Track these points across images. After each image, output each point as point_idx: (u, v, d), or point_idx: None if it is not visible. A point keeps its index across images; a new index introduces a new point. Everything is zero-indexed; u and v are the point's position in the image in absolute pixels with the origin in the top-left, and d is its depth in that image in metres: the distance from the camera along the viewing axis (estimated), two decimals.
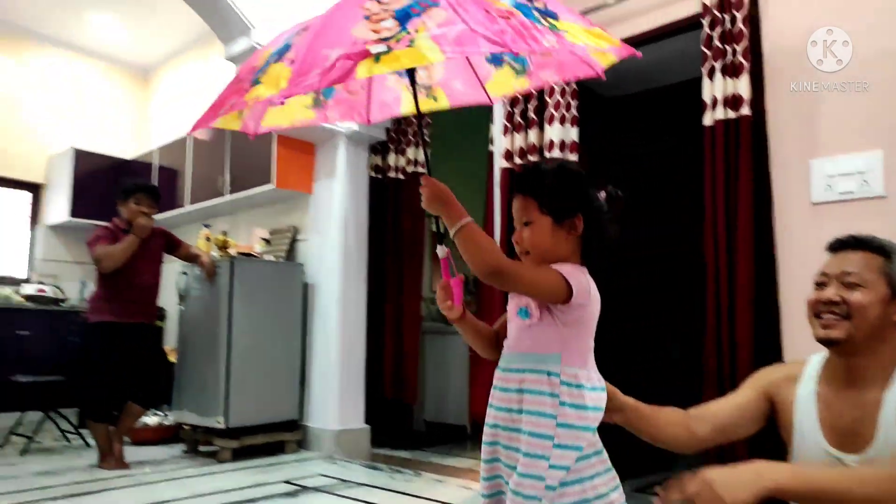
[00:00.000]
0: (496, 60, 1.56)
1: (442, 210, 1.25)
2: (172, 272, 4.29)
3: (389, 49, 1.08)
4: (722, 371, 2.42)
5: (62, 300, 5.16)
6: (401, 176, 4.27)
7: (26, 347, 4.69)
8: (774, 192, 2.45)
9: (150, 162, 5.53)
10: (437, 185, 1.27)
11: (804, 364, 1.45)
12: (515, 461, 1.20)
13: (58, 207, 5.48)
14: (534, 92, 3.03)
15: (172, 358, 4.24)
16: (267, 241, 4.50)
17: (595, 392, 1.23)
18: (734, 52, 2.49)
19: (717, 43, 2.54)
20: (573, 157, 3.04)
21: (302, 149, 4.34)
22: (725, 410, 1.46)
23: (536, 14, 1.19)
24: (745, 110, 2.45)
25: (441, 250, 1.32)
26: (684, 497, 1.12)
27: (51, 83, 5.82)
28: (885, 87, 2.25)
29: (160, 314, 4.96)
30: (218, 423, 3.72)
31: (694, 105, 2.70)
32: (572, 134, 3.05)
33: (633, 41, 2.94)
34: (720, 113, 2.51)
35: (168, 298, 4.60)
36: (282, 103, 1.49)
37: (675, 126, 3.84)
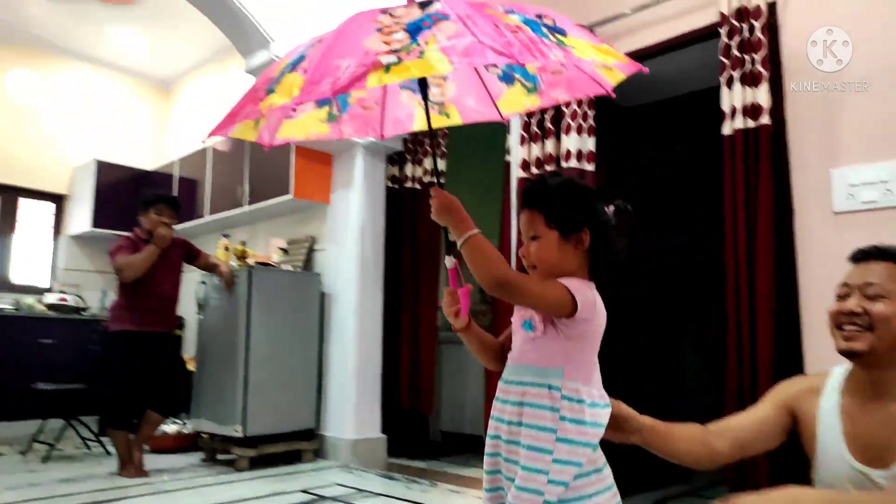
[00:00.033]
0: (508, 79, 1.58)
1: (450, 221, 1.26)
2: (191, 282, 4.33)
3: (400, 60, 1.10)
4: (742, 383, 2.39)
5: (83, 309, 5.24)
6: (417, 186, 4.28)
7: (48, 355, 4.76)
8: (795, 202, 2.42)
9: (171, 173, 5.61)
10: (447, 197, 1.28)
11: (826, 376, 1.43)
12: (515, 474, 1.20)
13: (80, 218, 5.57)
14: None
15: (191, 367, 4.28)
16: (285, 251, 4.54)
17: (595, 408, 1.23)
18: (753, 61, 2.48)
19: (735, 52, 2.53)
20: (590, 167, 3.03)
21: (320, 159, 4.38)
22: (745, 425, 1.44)
23: (545, 30, 1.21)
24: (765, 119, 2.43)
25: (449, 261, 1.33)
26: None
27: (75, 96, 5.93)
28: None
29: (179, 323, 5.01)
30: (236, 431, 3.74)
31: (711, 114, 2.69)
32: (589, 144, 3.04)
33: (650, 51, 2.94)
34: (739, 122, 2.49)
35: (187, 308, 4.65)
36: (294, 110, 1.51)
37: (693, 135, 3.82)
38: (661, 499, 3.10)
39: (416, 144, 4.29)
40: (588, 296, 1.24)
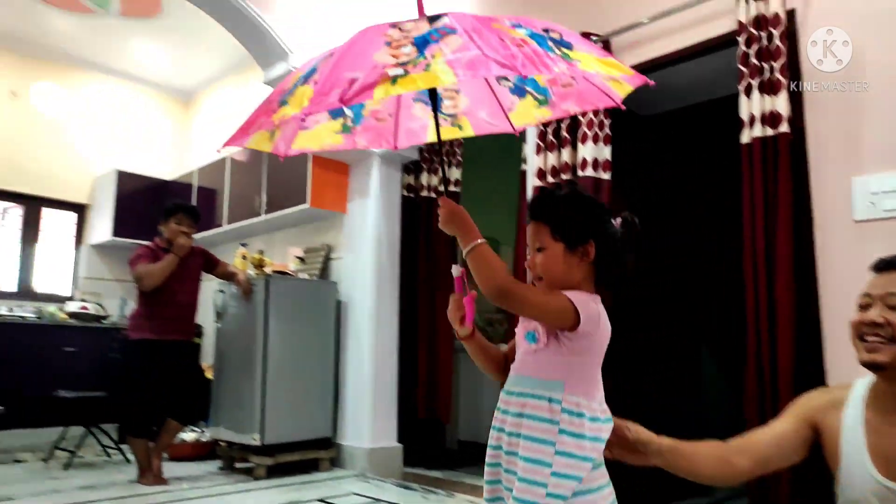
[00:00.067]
0: (519, 91, 1.59)
1: (457, 230, 1.27)
2: (210, 290, 4.38)
3: (406, 73, 1.13)
4: (762, 391, 2.35)
5: (104, 317, 5.31)
6: (433, 195, 4.29)
7: (69, 363, 4.82)
8: (815, 210, 2.40)
9: (190, 182, 5.68)
10: (453, 206, 1.29)
11: (849, 388, 1.40)
12: (514, 484, 1.20)
13: (101, 227, 5.66)
14: None
15: (209, 375, 4.32)
16: (301, 260, 4.57)
17: (595, 423, 1.22)
18: (771, 69, 2.46)
19: (753, 60, 2.51)
20: (606, 176, 3.02)
21: (336, 169, 4.42)
22: (766, 441, 1.41)
23: (551, 44, 1.23)
24: (784, 127, 2.41)
25: (456, 269, 1.34)
26: None
27: (97, 108, 6.04)
28: None
29: (198, 331, 5.06)
30: (253, 440, 3.76)
31: (728, 122, 2.67)
32: (605, 153, 3.04)
33: (668, 59, 2.94)
34: (758, 130, 2.47)
35: (205, 316, 4.69)
36: (304, 120, 1.53)
37: (710, 144, 3.80)
38: None
39: (431, 154, 4.30)
40: (592, 309, 1.24)
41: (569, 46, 1.25)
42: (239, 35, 3.96)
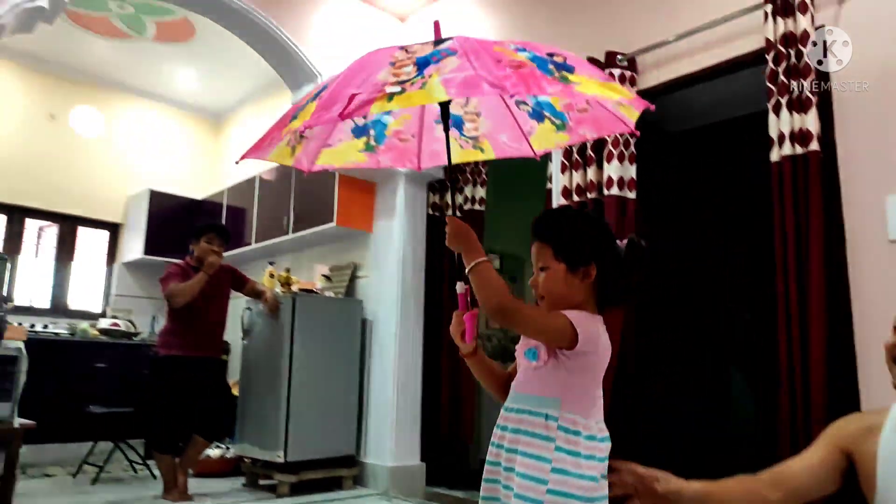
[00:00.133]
0: (538, 116, 1.62)
1: (461, 248, 1.30)
2: (237, 308, 4.43)
3: (403, 90, 1.17)
4: (795, 416, 2.29)
5: (134, 334, 5.39)
6: (458, 213, 4.29)
7: (101, 379, 4.90)
8: (847, 229, 2.35)
9: (220, 202, 5.78)
10: (459, 224, 1.33)
11: (884, 413, 1.36)
12: (511, 500, 1.21)
13: (133, 246, 5.78)
14: None
15: (235, 391, 4.35)
16: (328, 278, 4.60)
17: (592, 441, 1.22)
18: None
19: (782, 78, 2.49)
20: (631, 195, 3.00)
21: (363, 188, 4.46)
22: (799, 472, 1.36)
23: (551, 67, 1.25)
24: (814, 145, 2.37)
25: (459, 286, 1.37)
26: None
27: (131, 129, 6.21)
28: None
29: (225, 348, 5.11)
30: (278, 457, 3.77)
31: (754, 139, 2.64)
32: (631, 171, 3.02)
33: (694, 77, 2.92)
34: (787, 149, 2.44)
35: (233, 333, 4.74)
36: (302, 132, 1.58)
37: (737, 161, 3.76)
38: None
39: (456, 172, 4.32)
40: (591, 329, 1.25)
41: (570, 70, 1.28)
42: (269, 58, 4.06)
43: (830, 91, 2.44)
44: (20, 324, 4.03)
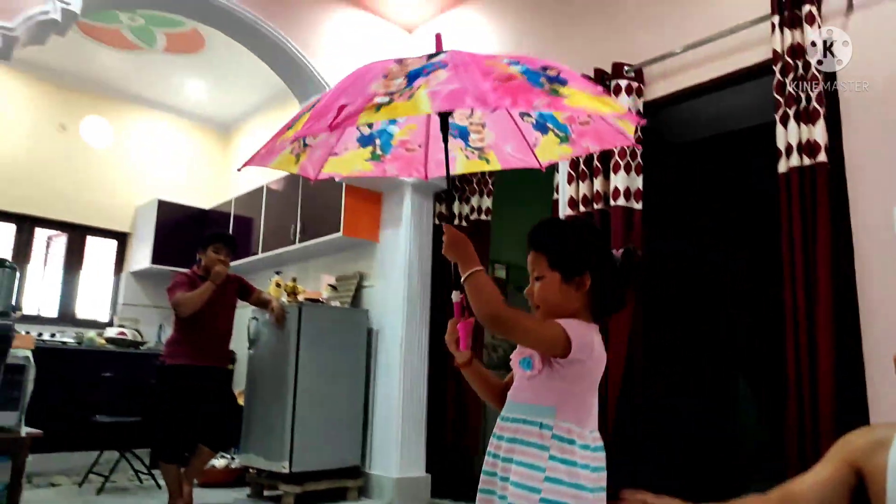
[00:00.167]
0: (542, 128, 1.64)
1: (458, 257, 1.32)
2: (243, 317, 4.44)
3: (391, 101, 1.19)
4: (803, 431, 2.27)
5: (141, 343, 5.41)
6: (464, 224, 4.31)
7: (107, 388, 4.91)
8: (856, 241, 2.33)
9: (227, 211, 5.81)
10: (456, 234, 1.34)
11: (894, 427, 1.34)
12: None
13: (141, 255, 5.81)
14: None
15: (241, 401, 4.35)
16: (334, 288, 4.61)
17: (587, 451, 1.23)
18: (808, 98, 2.43)
19: (790, 89, 2.48)
20: (638, 206, 3.00)
21: (369, 198, 4.47)
22: (807, 490, 1.34)
23: (543, 80, 1.26)
24: (822, 157, 2.37)
25: (455, 295, 1.38)
26: None
27: (140, 140, 6.26)
28: None
29: (231, 358, 5.11)
30: (282, 467, 3.76)
31: (761, 150, 2.64)
32: (637, 182, 3.02)
33: (700, 88, 2.93)
34: (795, 160, 2.44)
35: (239, 343, 4.74)
36: (296, 139, 1.59)
37: (744, 171, 3.75)
38: None
39: (463, 183, 4.33)
40: (585, 337, 1.26)
41: (563, 83, 1.28)
42: (278, 69, 4.09)
43: (838, 102, 2.44)
44: (28, 332, 4.05)
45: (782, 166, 2.49)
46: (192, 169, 6.60)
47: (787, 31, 2.52)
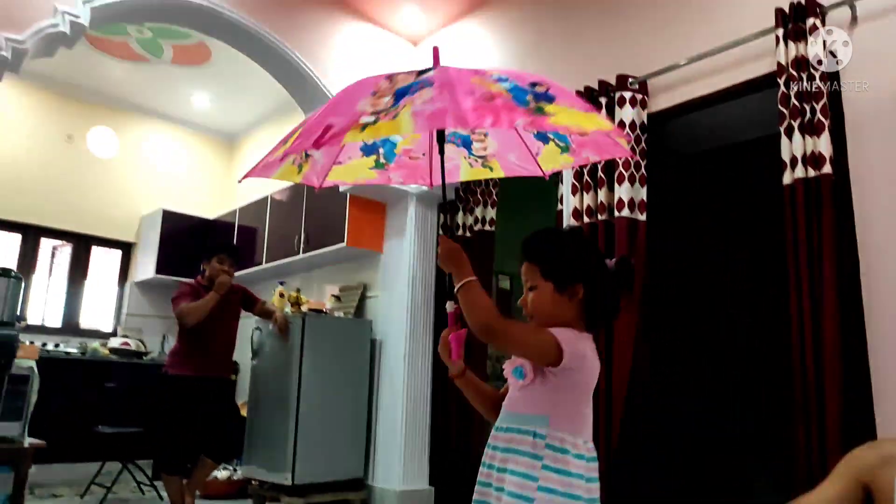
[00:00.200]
0: (543, 137, 1.66)
1: (452, 268, 1.32)
2: (247, 327, 4.43)
3: (377, 120, 1.21)
4: (810, 446, 2.25)
5: (144, 353, 5.41)
6: (468, 234, 4.31)
7: (111, 399, 4.91)
8: (861, 253, 2.32)
9: (232, 221, 5.83)
10: (451, 245, 1.35)
11: None
12: None
13: (146, 265, 5.82)
14: None
15: (244, 412, 4.33)
16: (338, 298, 4.61)
17: (581, 461, 1.23)
18: (813, 110, 2.43)
19: (794, 101, 2.49)
20: (642, 217, 3.00)
21: (373, 209, 4.48)
22: None
23: (529, 97, 1.27)
24: (827, 168, 2.36)
25: (449, 305, 1.39)
26: None
27: (146, 150, 6.29)
28: None
29: (235, 368, 5.10)
30: (285, 479, 3.74)
31: (765, 162, 2.64)
32: (642, 193, 3.02)
33: (705, 100, 2.93)
34: (800, 172, 2.43)
35: (242, 353, 4.74)
36: (285, 156, 1.59)
37: (749, 183, 3.75)
38: None
39: (467, 193, 4.34)
40: (577, 346, 1.26)
41: (550, 100, 1.29)
42: (284, 81, 4.11)
43: (843, 114, 2.44)
44: (32, 342, 4.05)
45: (787, 178, 2.48)
46: (196, 179, 6.63)
47: (791, 43, 2.53)
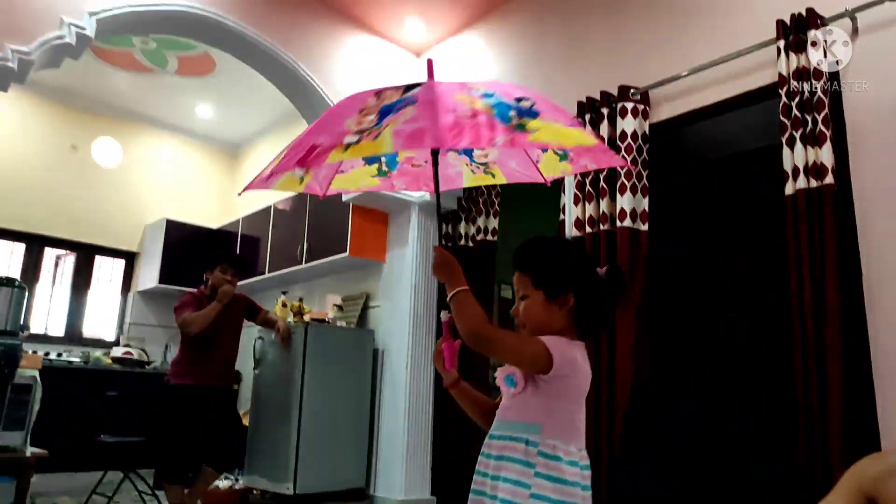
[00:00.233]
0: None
1: (445, 277, 1.34)
2: (249, 337, 4.43)
3: (360, 140, 1.24)
4: (813, 459, 2.24)
5: (147, 363, 5.41)
6: (470, 244, 4.31)
7: (113, 408, 4.90)
8: (864, 263, 2.32)
9: (235, 231, 5.84)
10: (444, 255, 1.37)
11: None
12: None
13: (149, 274, 5.83)
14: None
15: (246, 421, 4.33)
16: (340, 308, 4.61)
17: (575, 467, 1.23)
18: (814, 120, 2.44)
19: (795, 112, 2.49)
20: (644, 227, 3.00)
21: (376, 219, 4.49)
22: None
23: (512, 113, 1.29)
24: (829, 179, 2.37)
25: (444, 314, 1.40)
26: None
27: (150, 160, 6.32)
28: None
29: (237, 378, 5.10)
30: (287, 489, 3.73)
31: (766, 172, 2.64)
32: (643, 203, 3.03)
33: (706, 111, 2.94)
34: (802, 182, 2.44)
35: (244, 362, 4.74)
36: (271, 175, 1.61)
37: (751, 193, 3.74)
38: None
39: (469, 203, 4.35)
40: (567, 353, 1.27)
41: (534, 116, 1.31)
42: (287, 92, 4.14)
43: (844, 125, 2.44)
44: (35, 352, 4.06)
45: (789, 188, 2.49)
46: (200, 189, 6.65)
47: (792, 54, 2.54)
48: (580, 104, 3.31)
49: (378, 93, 1.37)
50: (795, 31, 2.54)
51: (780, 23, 2.59)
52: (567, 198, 3.41)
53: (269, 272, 5.24)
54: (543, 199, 4.48)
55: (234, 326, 3.90)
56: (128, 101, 6.01)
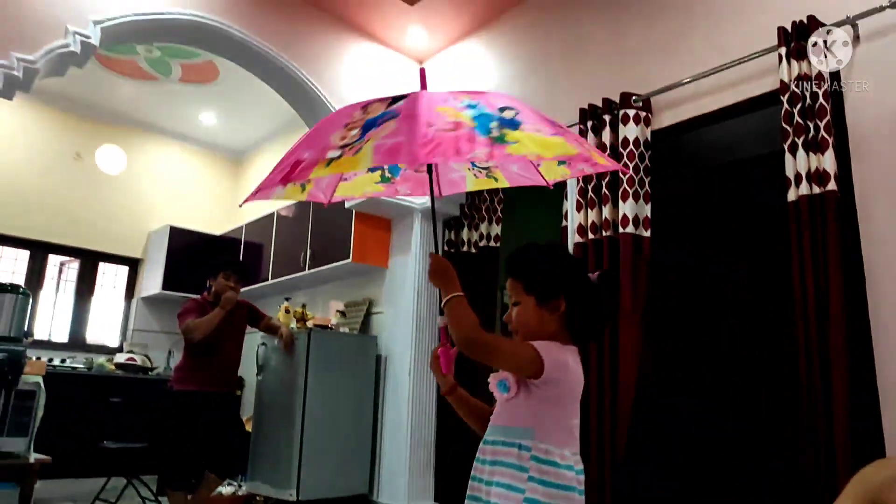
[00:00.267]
0: None
1: (440, 283, 1.35)
2: (252, 343, 4.44)
3: (341, 155, 1.25)
4: (819, 466, 2.23)
5: (150, 369, 5.41)
6: (473, 250, 4.32)
7: (116, 414, 4.91)
8: (867, 270, 2.32)
9: (238, 238, 5.86)
10: (439, 261, 1.38)
11: None
12: None
13: (152, 281, 5.85)
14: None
15: (249, 428, 4.33)
16: (343, 314, 4.62)
17: (569, 471, 1.23)
18: (816, 127, 2.44)
19: (798, 119, 2.50)
20: (646, 234, 3.01)
21: (379, 225, 4.50)
22: None
23: (493, 124, 1.29)
24: (832, 185, 2.37)
25: (441, 320, 1.40)
26: None
27: (154, 167, 6.35)
28: None
29: (240, 384, 5.10)
30: (290, 496, 3.73)
31: (768, 178, 2.65)
32: (646, 210, 3.03)
33: (708, 118, 2.95)
34: (804, 188, 2.44)
35: (247, 369, 4.75)
36: (259, 192, 1.62)
37: (753, 200, 3.75)
38: None
39: (472, 209, 4.36)
40: (559, 358, 1.28)
41: (515, 126, 1.31)
42: (291, 99, 4.16)
43: (846, 132, 2.45)
44: (39, 358, 4.07)
45: (791, 195, 2.49)
46: (203, 196, 6.67)
47: (794, 61, 2.55)
48: (582, 111, 3.32)
49: (364, 106, 1.39)
50: (797, 39, 2.55)
51: (781, 30, 2.60)
52: (569, 204, 3.41)
53: (272, 279, 5.26)
54: (546, 205, 4.51)
55: (238, 333, 3.90)
56: (132, 109, 6.05)
